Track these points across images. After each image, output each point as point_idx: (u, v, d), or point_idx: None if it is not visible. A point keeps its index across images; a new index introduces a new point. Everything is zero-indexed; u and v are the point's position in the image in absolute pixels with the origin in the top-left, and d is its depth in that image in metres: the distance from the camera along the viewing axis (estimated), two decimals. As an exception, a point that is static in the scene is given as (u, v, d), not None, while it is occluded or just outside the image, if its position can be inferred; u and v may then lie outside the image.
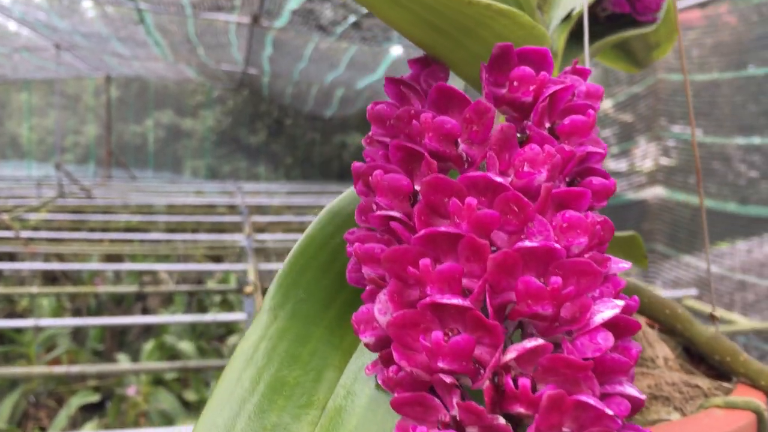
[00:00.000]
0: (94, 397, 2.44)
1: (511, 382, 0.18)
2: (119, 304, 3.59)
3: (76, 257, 3.41)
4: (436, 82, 0.26)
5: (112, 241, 3.64)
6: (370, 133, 0.26)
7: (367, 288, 0.23)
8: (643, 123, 3.17)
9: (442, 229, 0.20)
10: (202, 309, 3.47)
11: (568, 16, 0.41)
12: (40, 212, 4.17)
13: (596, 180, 0.24)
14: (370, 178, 0.23)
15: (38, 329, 2.69)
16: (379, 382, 0.22)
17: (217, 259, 3.87)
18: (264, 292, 2.00)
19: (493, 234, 0.20)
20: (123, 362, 2.67)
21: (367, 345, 0.23)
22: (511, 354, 0.18)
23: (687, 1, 2.65)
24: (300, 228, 4.47)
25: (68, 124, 9.04)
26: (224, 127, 9.78)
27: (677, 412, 0.36)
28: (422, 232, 0.20)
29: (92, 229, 4.06)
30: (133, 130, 9.40)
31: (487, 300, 0.19)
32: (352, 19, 3.81)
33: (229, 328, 3.22)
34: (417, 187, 0.23)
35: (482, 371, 0.19)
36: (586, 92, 0.26)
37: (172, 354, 2.73)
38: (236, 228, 4.08)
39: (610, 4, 0.47)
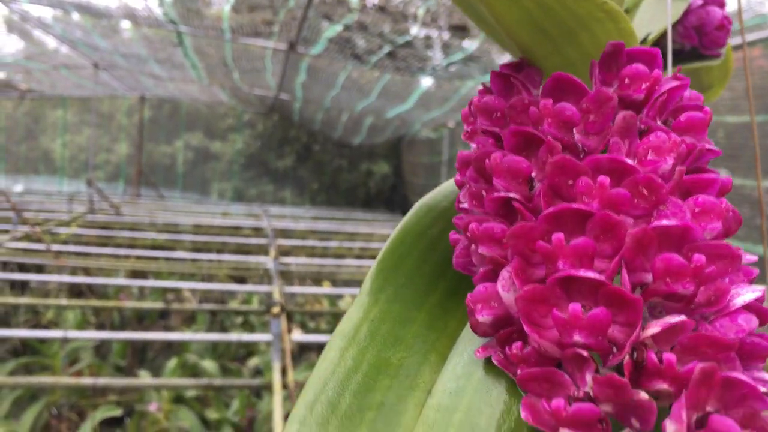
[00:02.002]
0: (117, 411, 2.45)
1: (654, 358, 0.18)
2: (141, 321, 3.62)
3: (102, 272, 3.45)
4: (532, 84, 0.26)
5: (138, 257, 3.68)
6: (467, 129, 0.26)
7: (481, 270, 0.23)
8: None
9: (575, 206, 0.20)
10: (224, 329, 3.48)
11: (643, 41, 0.42)
12: (71, 227, 4.24)
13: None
14: (486, 162, 0.23)
15: (65, 341, 2.72)
16: (495, 362, 0.23)
17: (241, 280, 3.89)
18: (289, 314, 2.00)
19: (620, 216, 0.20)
20: (146, 378, 2.69)
21: (482, 324, 0.23)
22: (653, 329, 0.18)
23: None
24: (323, 253, 4.48)
25: (100, 141, 9.20)
26: (252, 151, 9.89)
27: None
28: (551, 209, 0.20)
29: (119, 245, 4.11)
30: (163, 151, 9.54)
31: (624, 276, 0.19)
32: (387, 48, 3.86)
33: (250, 350, 3.22)
34: (533, 174, 0.23)
35: (614, 349, 0.18)
36: (689, 97, 0.25)
37: (194, 372, 2.74)
38: (261, 250, 4.10)
39: (679, 36, 0.48)
